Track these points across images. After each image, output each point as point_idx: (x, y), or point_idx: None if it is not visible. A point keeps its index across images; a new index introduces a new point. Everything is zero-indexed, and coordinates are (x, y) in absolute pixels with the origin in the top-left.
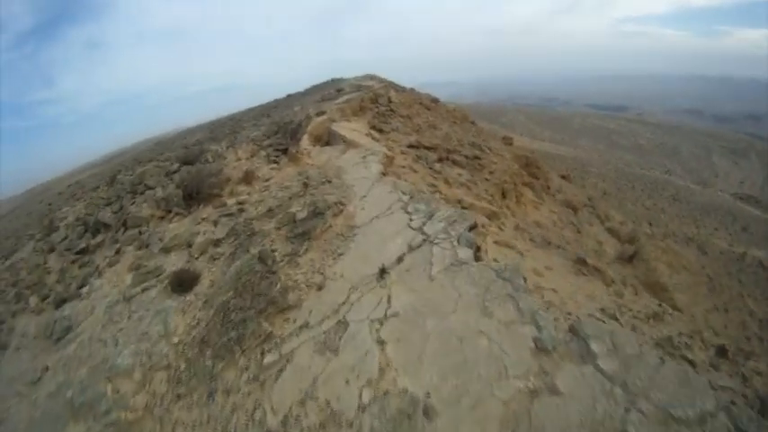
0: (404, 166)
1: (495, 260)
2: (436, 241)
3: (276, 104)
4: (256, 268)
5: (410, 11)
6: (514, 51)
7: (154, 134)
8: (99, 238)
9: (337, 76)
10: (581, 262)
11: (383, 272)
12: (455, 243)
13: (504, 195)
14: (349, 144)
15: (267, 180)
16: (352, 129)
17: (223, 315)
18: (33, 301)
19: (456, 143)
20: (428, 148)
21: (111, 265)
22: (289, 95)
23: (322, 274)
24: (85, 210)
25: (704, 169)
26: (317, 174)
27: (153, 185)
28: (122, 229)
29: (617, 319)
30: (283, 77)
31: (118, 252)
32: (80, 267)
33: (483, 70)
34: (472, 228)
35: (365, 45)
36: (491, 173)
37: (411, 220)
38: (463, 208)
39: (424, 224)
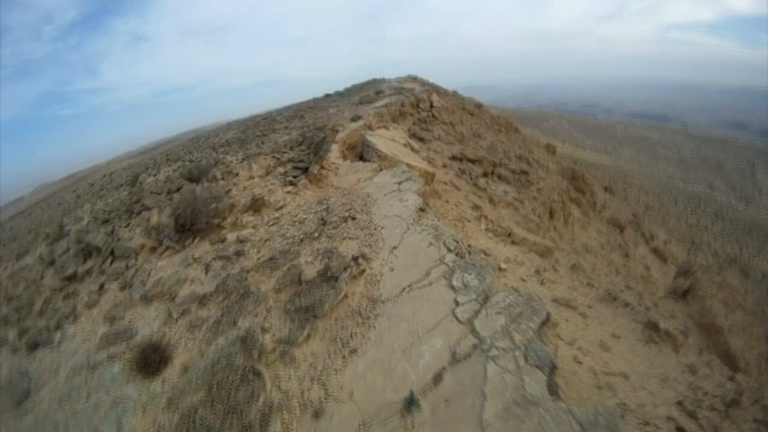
0: (446, 183)
1: (577, 366)
2: (493, 352)
3: (313, 104)
4: (237, 362)
5: (452, 12)
6: (557, 56)
7: (198, 125)
8: (89, 264)
9: (378, 74)
10: (652, 327)
11: (411, 402)
12: (520, 360)
13: (551, 215)
14: (383, 159)
15: (279, 208)
16: (389, 138)
17: None
18: (12, 334)
19: (502, 155)
20: (472, 161)
21: (89, 306)
22: (327, 95)
23: (324, 385)
24: (91, 220)
25: (748, 185)
26: (340, 204)
27: (150, 206)
28: (110, 259)
29: (696, 419)
30: (326, 74)
31: (101, 288)
32: (64, 298)
33: (525, 74)
34: (543, 323)
35: (407, 45)
36: (539, 190)
37: (457, 303)
38: (513, 243)
39: (475, 314)
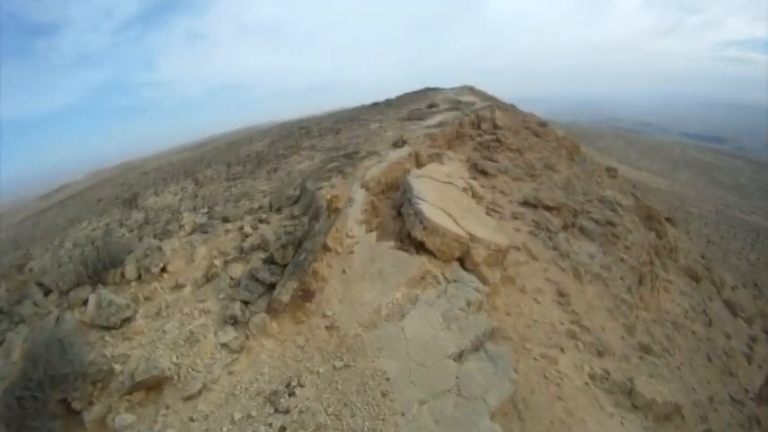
0: (519, 248)
1: None
2: None
3: (356, 115)
4: None
5: (505, 23)
6: (611, 70)
7: (250, 124)
8: None
9: (430, 83)
10: None
11: None
12: None
13: (640, 281)
14: (432, 235)
15: (189, 398)
16: (444, 179)
17: None
18: None
19: (582, 198)
20: (549, 209)
21: None
22: (375, 104)
23: None
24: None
25: None
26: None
27: (26, 317)
28: None
29: None
30: (378, 80)
31: None
32: None
33: (578, 87)
34: None
35: (459, 55)
36: (626, 248)
37: None
38: (635, 408)
39: None
